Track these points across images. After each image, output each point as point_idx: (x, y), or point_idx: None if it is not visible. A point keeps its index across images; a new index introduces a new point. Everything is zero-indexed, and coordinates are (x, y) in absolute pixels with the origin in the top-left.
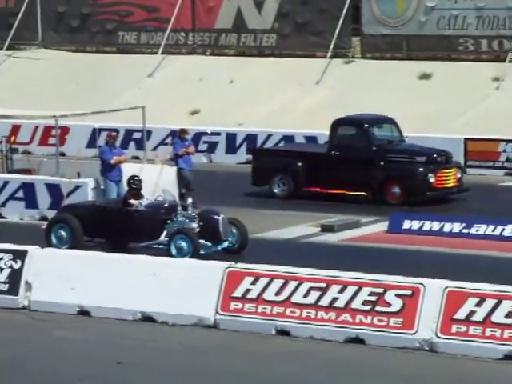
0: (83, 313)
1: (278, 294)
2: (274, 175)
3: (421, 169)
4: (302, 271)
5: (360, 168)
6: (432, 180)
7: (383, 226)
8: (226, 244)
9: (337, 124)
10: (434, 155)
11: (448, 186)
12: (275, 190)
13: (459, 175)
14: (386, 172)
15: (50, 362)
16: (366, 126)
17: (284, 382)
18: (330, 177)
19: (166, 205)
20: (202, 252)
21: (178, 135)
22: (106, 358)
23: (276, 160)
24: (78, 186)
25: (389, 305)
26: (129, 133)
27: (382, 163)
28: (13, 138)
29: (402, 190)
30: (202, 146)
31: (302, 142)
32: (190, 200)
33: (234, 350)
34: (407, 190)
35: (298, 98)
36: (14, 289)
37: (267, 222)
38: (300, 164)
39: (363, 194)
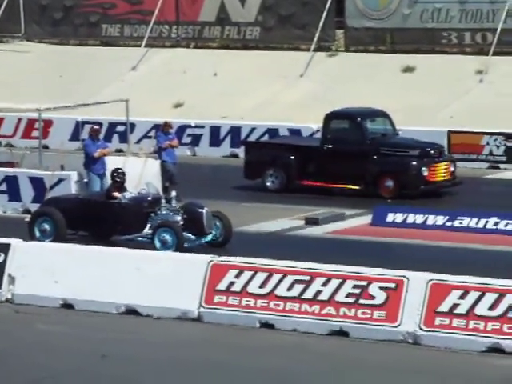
0: (67, 306)
1: (261, 286)
2: (266, 168)
3: (414, 162)
4: (285, 264)
5: (353, 161)
6: (425, 173)
7: (367, 218)
8: (209, 237)
9: (330, 117)
10: (428, 149)
11: (441, 179)
12: (267, 184)
13: (452, 168)
14: (380, 165)
15: (34, 356)
16: (360, 119)
17: (268, 374)
18: (323, 170)
19: (150, 198)
20: (185, 245)
21: (161, 129)
22: (90, 351)
23: (268, 153)
24: (61, 179)
25: (372, 297)
26: (112, 126)
27: (375, 157)
28: None
29: (395, 183)
30: (186, 139)
31: (295, 135)
32: (173, 193)
33: (218, 343)
34: (401, 183)
35: (281, 91)
36: None
37: (252, 215)
38: (292, 157)
39: (356, 187)
